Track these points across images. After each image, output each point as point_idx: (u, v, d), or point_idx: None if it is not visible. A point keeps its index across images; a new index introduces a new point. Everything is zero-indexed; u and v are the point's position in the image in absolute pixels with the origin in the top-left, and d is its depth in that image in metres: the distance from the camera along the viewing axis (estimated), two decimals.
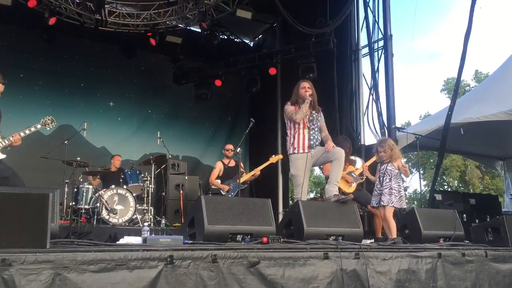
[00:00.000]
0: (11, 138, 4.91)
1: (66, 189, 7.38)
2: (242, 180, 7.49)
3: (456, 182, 29.79)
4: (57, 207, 3.49)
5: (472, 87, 27.49)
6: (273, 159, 7.78)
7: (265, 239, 3.81)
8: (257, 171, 7.73)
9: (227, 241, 3.84)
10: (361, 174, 6.73)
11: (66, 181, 7.39)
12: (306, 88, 5.40)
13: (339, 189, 6.41)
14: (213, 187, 8.06)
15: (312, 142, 5.34)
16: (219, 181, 7.78)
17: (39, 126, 5.23)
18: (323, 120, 5.61)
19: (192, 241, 3.76)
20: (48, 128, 5.40)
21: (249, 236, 3.97)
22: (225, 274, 3.08)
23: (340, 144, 6.57)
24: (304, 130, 5.36)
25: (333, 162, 5.20)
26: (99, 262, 2.66)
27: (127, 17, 9.72)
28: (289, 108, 5.43)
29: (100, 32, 9.70)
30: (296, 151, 5.34)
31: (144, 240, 3.57)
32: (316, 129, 5.43)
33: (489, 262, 4.44)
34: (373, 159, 6.13)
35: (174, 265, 2.91)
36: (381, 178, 5.45)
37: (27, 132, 5.08)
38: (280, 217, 10.07)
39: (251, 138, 12.20)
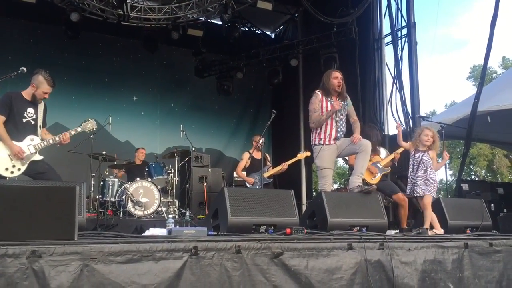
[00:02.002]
0: (60, 136, 4.90)
1: (92, 182, 7.52)
2: (269, 174, 7.47)
3: (483, 171, 29.23)
4: (84, 200, 3.57)
5: (499, 74, 26.84)
6: (301, 155, 7.69)
7: (288, 230, 3.82)
8: (284, 165, 7.60)
9: (250, 232, 3.86)
10: (386, 165, 6.66)
11: (93, 174, 7.52)
12: (338, 79, 5.27)
13: (363, 180, 6.36)
14: (236, 178, 8.08)
15: (338, 134, 5.27)
16: (244, 173, 7.74)
17: (79, 129, 5.14)
18: (351, 104, 5.49)
19: (216, 233, 3.79)
20: (88, 131, 5.32)
21: (272, 227, 3.99)
22: (249, 265, 3.11)
23: (367, 133, 6.52)
24: (332, 121, 5.24)
25: (359, 154, 5.12)
26: (126, 254, 2.71)
27: (149, 11, 9.77)
28: (315, 102, 5.27)
29: (123, 27, 9.79)
30: (322, 142, 5.25)
31: (169, 231, 3.61)
32: (343, 119, 5.35)
33: None
34: (406, 146, 5.94)
35: (199, 256, 2.94)
36: (415, 167, 5.36)
37: (73, 132, 5.06)
38: (304, 208, 10.06)
39: (274, 130, 12.20)
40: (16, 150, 4.62)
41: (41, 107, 4.99)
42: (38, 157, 4.84)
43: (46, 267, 2.48)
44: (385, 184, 6.49)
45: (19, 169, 4.70)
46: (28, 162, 4.75)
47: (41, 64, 10.09)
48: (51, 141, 4.89)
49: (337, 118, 5.27)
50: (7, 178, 4.59)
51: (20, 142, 4.74)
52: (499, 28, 8.01)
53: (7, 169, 4.62)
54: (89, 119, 5.23)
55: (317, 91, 5.35)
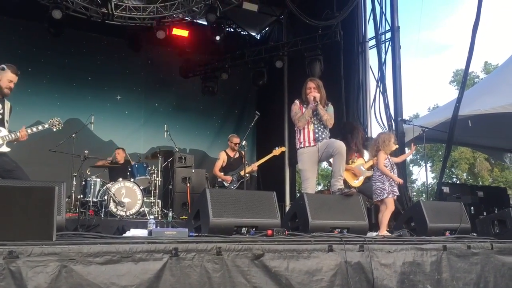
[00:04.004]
0: (18, 133, 4.97)
1: (74, 182, 7.42)
2: (242, 172, 7.59)
3: (465, 174, 29.62)
4: (63, 200, 3.53)
5: (481, 78, 27.24)
6: (276, 151, 7.80)
7: (269, 232, 3.83)
8: (254, 166, 7.84)
9: (232, 233, 3.86)
10: (369, 168, 6.73)
11: (74, 174, 7.43)
12: (311, 89, 5.45)
13: (346, 182, 6.44)
14: (220, 179, 8.10)
15: (317, 135, 5.38)
16: (222, 173, 7.81)
17: (46, 125, 5.30)
18: (331, 111, 5.58)
19: (197, 234, 3.79)
20: (55, 129, 5.41)
21: (254, 229, 4.00)
22: (230, 266, 3.11)
23: (351, 129, 6.70)
24: (309, 126, 5.42)
25: (334, 157, 5.26)
26: (105, 255, 2.70)
27: (134, 10, 9.72)
28: (294, 109, 5.53)
29: (107, 25, 9.72)
30: (302, 145, 5.44)
31: (150, 232, 3.60)
32: (322, 123, 5.46)
33: (494, 255, 4.43)
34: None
35: (179, 258, 2.94)
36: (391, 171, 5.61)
37: (34, 130, 5.13)
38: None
39: (258, 131, 12.23)
40: None
41: (7, 106, 5.06)
42: (5, 148, 4.91)
43: (23, 268, 2.45)
44: (368, 187, 6.55)
45: None
46: None
47: (24, 62, 10.04)
48: (17, 134, 4.96)
49: (314, 121, 5.42)
50: None
51: None
52: (481, 33, 8.17)
53: None
54: (55, 118, 5.38)
55: (296, 100, 5.60)
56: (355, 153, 6.94)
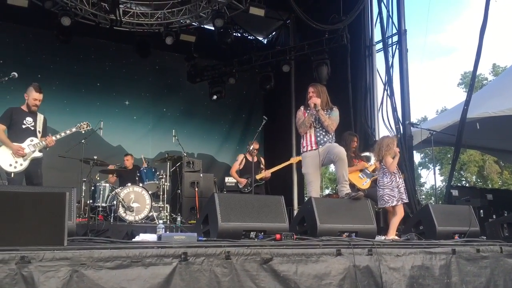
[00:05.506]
0: (44, 142, 5.69)
1: (83, 187, 7.48)
2: (259, 177, 7.73)
3: (474, 177, 29.41)
4: (74, 206, 3.57)
5: (490, 80, 27.08)
6: (294, 159, 7.92)
7: (278, 236, 3.84)
8: (267, 173, 7.90)
9: (240, 238, 3.88)
10: (374, 171, 6.72)
11: (84, 179, 7.49)
12: (310, 93, 5.53)
13: (354, 185, 6.44)
14: (227, 184, 8.13)
15: (319, 139, 5.42)
16: (238, 175, 7.92)
17: (74, 129, 6.09)
18: (334, 116, 5.57)
19: (206, 238, 3.81)
20: (83, 131, 6.26)
21: (262, 233, 4.02)
22: (239, 270, 3.13)
23: (345, 139, 6.75)
24: (310, 130, 5.49)
25: (335, 163, 5.30)
26: (115, 259, 2.73)
27: (141, 16, 9.80)
28: (298, 115, 5.64)
29: (115, 32, 9.81)
30: (305, 150, 5.50)
31: (159, 237, 3.63)
32: (324, 127, 5.48)
33: (504, 258, 4.42)
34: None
35: (188, 262, 2.96)
36: (398, 176, 5.68)
37: (62, 134, 5.96)
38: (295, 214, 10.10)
39: (266, 135, 12.25)
40: (15, 148, 5.49)
41: (40, 119, 5.88)
42: (38, 154, 5.69)
43: (35, 273, 2.48)
44: (375, 191, 6.54)
45: (21, 164, 5.53)
46: (29, 159, 5.58)
47: (33, 69, 10.16)
48: (44, 142, 5.74)
49: (316, 126, 5.47)
50: (12, 174, 5.45)
51: (21, 143, 5.57)
52: (490, 35, 8.14)
53: (10, 165, 5.47)
54: (83, 122, 6.28)
55: (301, 106, 5.69)
56: (354, 160, 6.95)
